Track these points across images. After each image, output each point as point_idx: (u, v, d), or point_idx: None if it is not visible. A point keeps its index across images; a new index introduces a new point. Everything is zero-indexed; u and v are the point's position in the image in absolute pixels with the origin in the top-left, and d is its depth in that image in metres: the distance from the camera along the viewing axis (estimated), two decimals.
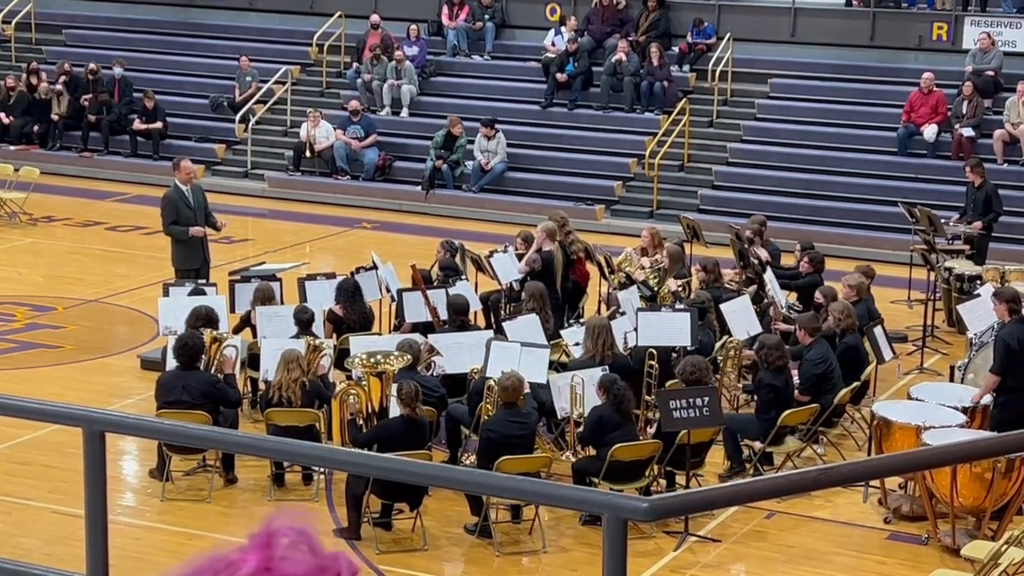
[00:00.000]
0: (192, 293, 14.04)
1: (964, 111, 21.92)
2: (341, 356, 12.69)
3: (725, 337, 13.96)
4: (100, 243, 20.53)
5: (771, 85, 24.06)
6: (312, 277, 15.03)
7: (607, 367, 12.35)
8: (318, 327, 13.33)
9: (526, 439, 11.42)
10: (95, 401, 13.13)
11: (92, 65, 25.81)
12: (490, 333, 13.62)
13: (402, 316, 14.41)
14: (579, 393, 12.12)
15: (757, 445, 12.42)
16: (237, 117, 25.23)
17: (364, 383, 11.29)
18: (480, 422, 11.74)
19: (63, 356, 15.48)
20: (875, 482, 11.90)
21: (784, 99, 23.90)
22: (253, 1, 27.53)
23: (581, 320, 14.35)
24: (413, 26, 25.58)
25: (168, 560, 10.55)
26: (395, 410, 11.23)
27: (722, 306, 14.08)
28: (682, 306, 13.80)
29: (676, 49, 24.63)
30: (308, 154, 23.93)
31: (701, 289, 14.88)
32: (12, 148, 25.27)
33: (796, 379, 12.90)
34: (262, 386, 12.84)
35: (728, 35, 24.18)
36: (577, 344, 13.25)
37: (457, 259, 15.90)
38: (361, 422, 11.19)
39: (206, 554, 1.99)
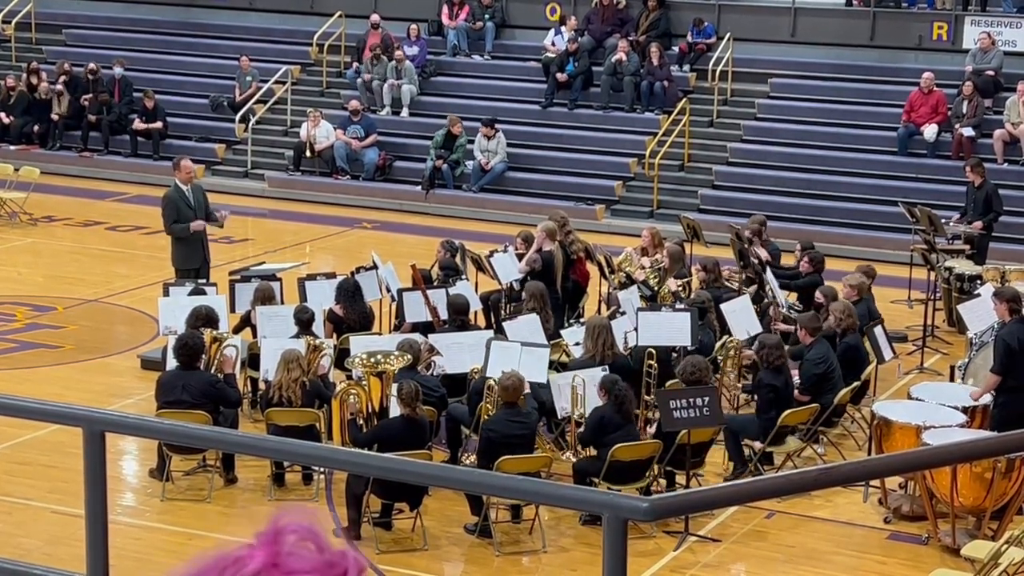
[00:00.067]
0: (192, 293, 14.04)
1: (964, 111, 21.92)
2: (341, 356, 12.69)
3: (725, 337, 13.96)
4: (100, 243, 20.53)
5: (771, 85, 24.06)
6: (312, 277, 15.03)
7: (607, 367, 12.35)
8: (318, 327, 13.33)
9: (526, 439, 11.42)
10: (95, 401, 13.13)
11: (92, 65, 25.81)
12: (490, 333, 13.62)
13: (402, 316, 14.41)
14: (580, 393, 12.13)
15: (757, 445, 12.42)
16: (237, 117, 25.24)
17: (364, 383, 11.29)
18: (480, 422, 11.74)
19: (63, 356, 15.48)
20: (875, 482, 11.90)
21: (784, 99, 23.90)
22: (253, 1, 27.53)
23: (581, 320, 14.35)
24: (413, 26, 25.58)
25: (168, 560, 10.55)
26: (395, 410, 11.23)
27: (722, 306, 14.08)
28: (682, 306, 13.80)
29: (676, 49, 24.63)
30: (308, 154, 23.94)
31: (701, 289, 14.88)
32: (12, 148, 25.27)
33: (796, 379, 12.90)
34: (262, 386, 12.84)
35: (728, 35, 24.18)
36: (577, 344, 13.25)
37: (457, 259, 15.90)
38: (361, 422, 11.19)
39: (211, 553, 1.99)
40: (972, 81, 22.07)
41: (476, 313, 14.80)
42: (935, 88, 22.14)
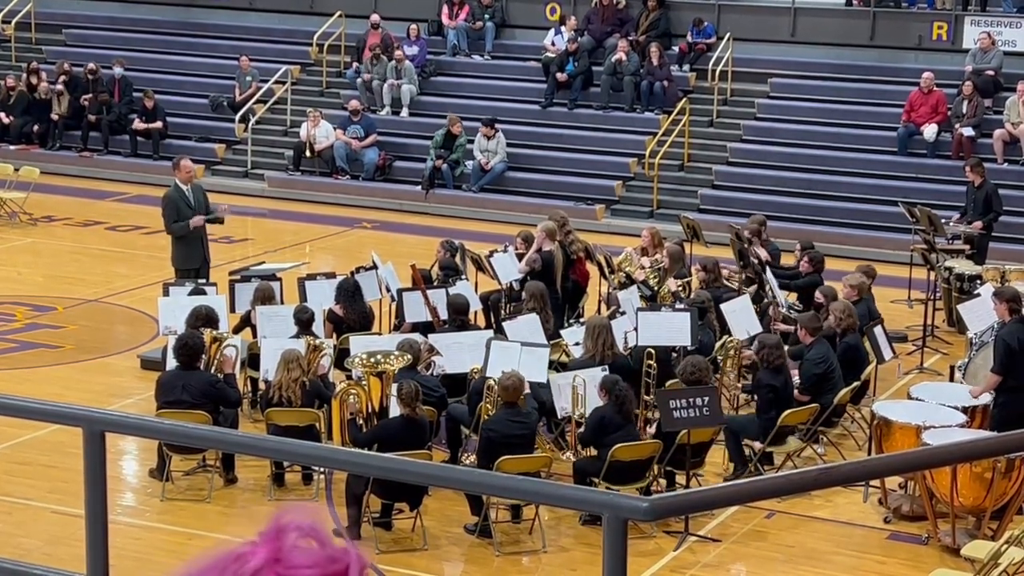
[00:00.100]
0: (192, 293, 14.04)
1: (964, 111, 21.92)
2: (341, 356, 12.69)
3: (725, 337, 13.96)
4: (100, 243, 20.53)
5: (771, 85, 24.06)
6: (312, 277, 15.03)
7: (607, 367, 12.35)
8: (318, 327, 13.33)
9: (526, 439, 11.42)
10: (95, 401, 13.13)
11: (92, 65, 25.81)
12: (490, 333, 13.62)
13: (402, 316, 14.41)
14: (581, 394, 12.12)
15: (757, 445, 12.42)
16: (237, 117, 25.24)
17: (364, 383, 11.29)
18: (480, 422, 11.74)
19: (63, 356, 15.48)
20: (875, 482, 11.89)
21: (784, 99, 23.90)
22: (253, 1, 27.53)
23: (581, 320, 14.35)
24: (413, 26, 25.58)
25: (168, 560, 10.55)
26: (395, 410, 11.23)
27: (722, 306, 14.08)
28: (682, 306, 13.80)
29: (676, 49, 24.63)
30: (308, 154, 23.93)
31: (701, 289, 14.88)
32: (12, 148, 25.27)
33: (796, 379, 12.90)
34: (262, 386, 12.84)
35: (728, 35, 24.18)
36: (577, 344, 13.25)
37: (457, 259, 15.90)
38: (361, 422, 11.19)
39: (212, 552, 1.99)
40: (972, 81, 22.07)
41: (476, 313, 14.80)
42: (935, 88, 22.14)
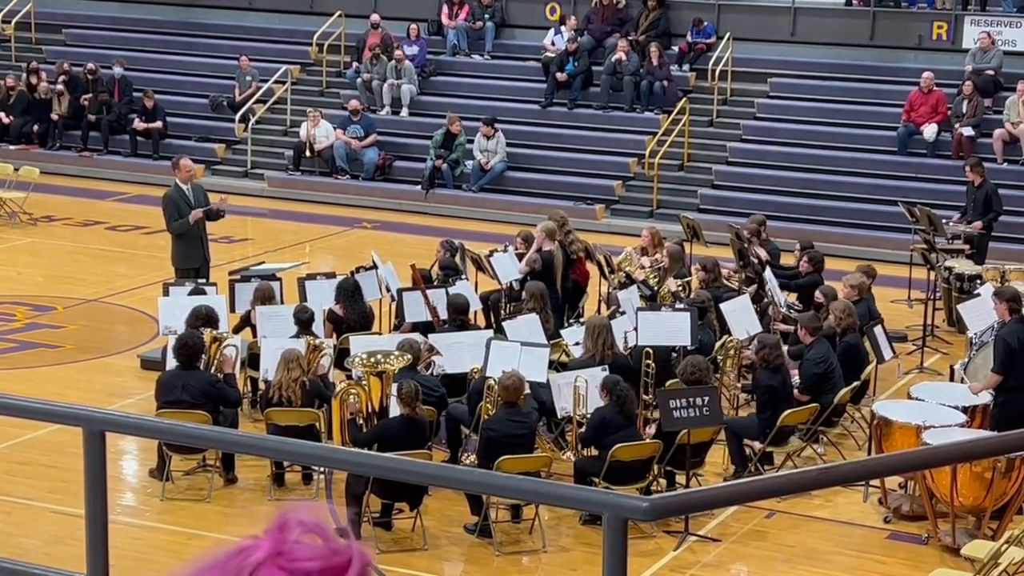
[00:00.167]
0: (192, 293, 14.04)
1: (964, 110, 21.92)
2: (341, 356, 12.69)
3: (725, 337, 13.96)
4: (100, 243, 20.53)
5: (771, 85, 24.06)
6: (312, 277, 15.03)
7: (607, 367, 12.35)
8: (318, 327, 13.33)
9: (526, 439, 11.42)
10: (95, 401, 13.12)
11: (92, 65, 25.81)
12: (490, 333, 13.62)
13: (402, 316, 14.40)
14: (582, 394, 12.12)
15: (757, 445, 12.42)
16: (237, 117, 25.24)
17: (364, 383, 11.29)
18: (480, 422, 11.74)
19: (63, 356, 15.48)
20: (875, 482, 11.89)
21: (784, 99, 23.90)
22: (253, 1, 27.53)
23: (581, 320, 14.35)
24: (413, 25, 25.58)
25: (168, 560, 10.55)
26: (395, 410, 11.23)
27: (722, 306, 14.08)
28: (682, 306, 13.80)
29: (676, 48, 24.63)
30: (308, 154, 23.93)
31: (701, 289, 14.88)
32: (12, 148, 25.27)
33: (796, 378, 12.90)
34: (262, 386, 12.84)
35: (728, 35, 24.18)
36: (577, 344, 13.24)
37: (457, 259, 15.90)
38: (361, 422, 11.19)
39: (213, 551, 2.00)
40: (972, 81, 22.07)
41: (476, 313, 14.80)
42: (935, 88, 22.14)
